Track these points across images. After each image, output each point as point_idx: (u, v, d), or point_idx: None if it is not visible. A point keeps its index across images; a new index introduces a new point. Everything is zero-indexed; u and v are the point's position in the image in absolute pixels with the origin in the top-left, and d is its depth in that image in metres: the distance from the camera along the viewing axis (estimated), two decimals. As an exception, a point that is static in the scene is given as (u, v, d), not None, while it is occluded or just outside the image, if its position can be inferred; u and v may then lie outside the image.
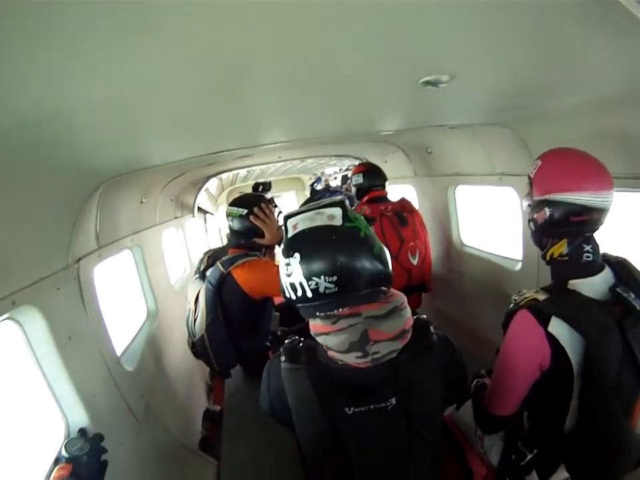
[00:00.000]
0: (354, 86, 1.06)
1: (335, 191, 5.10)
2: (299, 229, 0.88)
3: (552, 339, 1.04)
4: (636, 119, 1.33)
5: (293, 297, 0.89)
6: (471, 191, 2.91)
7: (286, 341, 0.99)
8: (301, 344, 0.97)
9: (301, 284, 0.85)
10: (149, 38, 0.56)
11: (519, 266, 2.34)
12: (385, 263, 0.89)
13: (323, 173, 5.91)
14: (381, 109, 1.50)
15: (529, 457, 1.16)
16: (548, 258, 1.16)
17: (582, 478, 1.14)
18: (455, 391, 1.06)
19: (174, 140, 1.40)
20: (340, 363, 0.89)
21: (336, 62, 0.82)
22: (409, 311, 0.93)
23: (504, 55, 0.89)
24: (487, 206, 3.69)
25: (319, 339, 0.90)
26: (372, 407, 0.88)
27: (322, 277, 0.83)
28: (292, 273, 0.86)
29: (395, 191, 3.44)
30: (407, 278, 2.54)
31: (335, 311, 0.87)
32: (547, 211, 1.09)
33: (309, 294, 0.85)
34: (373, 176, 2.77)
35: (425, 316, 0.99)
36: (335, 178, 6.06)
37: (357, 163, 4.16)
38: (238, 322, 2.03)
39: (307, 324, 0.96)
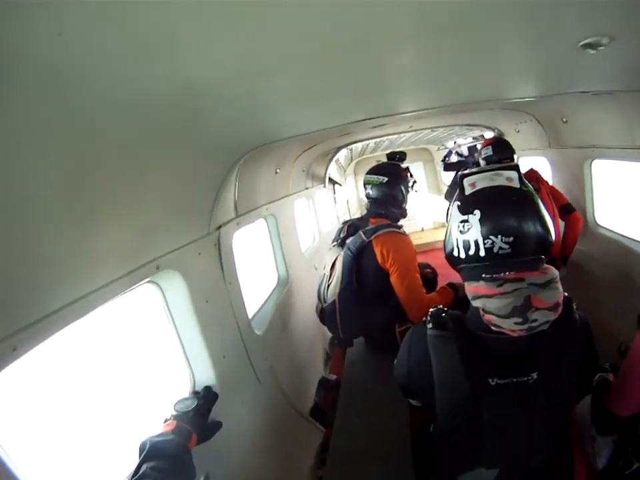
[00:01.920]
0: (498, 48, 1.00)
1: (466, 162, 4.72)
2: (478, 187, 0.89)
3: None
4: None
5: (462, 256, 0.89)
6: (611, 166, 2.66)
7: (430, 309, 0.99)
8: (444, 314, 0.97)
9: (476, 242, 0.86)
10: (282, 11, 0.57)
11: None
12: (550, 231, 0.88)
13: (456, 144, 5.39)
14: (526, 73, 1.43)
15: (636, 466, 1.10)
16: None
17: None
18: (585, 379, 1.04)
19: (306, 112, 1.40)
20: (494, 328, 0.87)
21: (481, 22, 0.77)
22: (560, 285, 0.90)
23: None
24: (629, 184, 3.24)
25: (478, 302, 0.89)
26: (514, 379, 0.88)
27: (499, 237, 0.84)
28: (469, 230, 0.86)
29: (528, 164, 3.22)
30: None
31: (502, 274, 0.86)
32: None
33: (482, 252, 0.85)
34: (501, 148, 2.70)
35: (566, 293, 0.93)
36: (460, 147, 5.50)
37: (485, 135, 4.03)
38: (370, 292, 2.02)
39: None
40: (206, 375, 1.37)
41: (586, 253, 2.81)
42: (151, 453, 0.95)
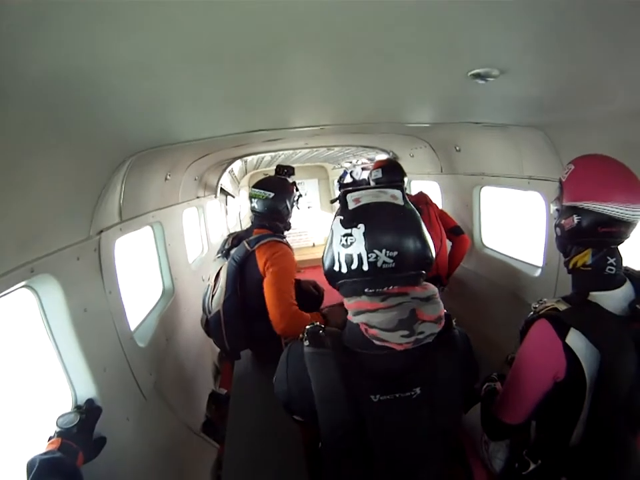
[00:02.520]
0: (396, 73, 1.02)
1: (360, 183, 5.05)
2: (363, 202, 0.89)
3: (568, 351, 1.03)
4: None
5: (344, 270, 0.87)
6: (496, 193, 2.87)
7: (307, 327, 0.96)
8: (322, 330, 0.94)
9: (359, 256, 0.84)
10: (181, 5, 0.54)
11: (538, 272, 2.30)
12: (430, 249, 0.90)
13: (352, 164, 5.77)
14: (421, 99, 1.45)
15: (532, 467, 1.16)
16: (571, 266, 1.14)
17: None
18: (467, 392, 1.06)
19: (204, 116, 1.37)
20: (378, 343, 0.86)
21: (381, 48, 0.79)
22: (440, 300, 0.93)
23: (559, 53, 0.85)
24: (511, 209, 3.65)
25: (361, 317, 0.87)
26: (397, 395, 0.87)
27: (383, 251, 0.83)
28: (352, 244, 0.85)
29: (419, 187, 3.41)
30: None
31: (385, 289, 0.86)
32: (575, 219, 1.07)
33: (365, 267, 0.84)
34: (391, 171, 2.76)
35: (446, 310, 0.97)
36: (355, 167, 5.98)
37: (377, 158, 4.09)
38: (254, 302, 2.02)
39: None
40: (87, 389, 1.25)
41: (473, 271, 3.07)
42: (43, 471, 0.87)
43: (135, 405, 1.52)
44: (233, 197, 5.25)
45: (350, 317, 0.91)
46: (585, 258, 1.10)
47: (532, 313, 1.17)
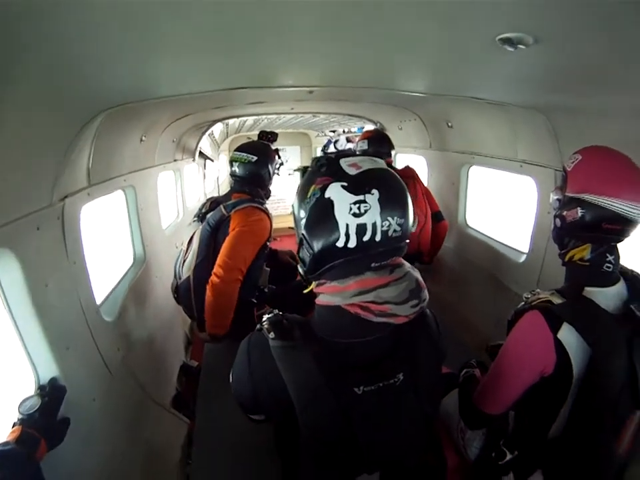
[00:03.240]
0: (396, 30, 0.89)
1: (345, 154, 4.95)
2: (365, 168, 0.79)
3: (559, 346, 1.01)
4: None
5: (352, 244, 0.76)
6: (485, 174, 2.81)
7: (264, 317, 0.86)
8: (285, 319, 0.85)
9: (374, 224, 0.76)
10: None
11: (523, 258, 2.29)
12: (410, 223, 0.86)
13: (335, 133, 5.56)
14: (421, 64, 1.32)
15: (509, 457, 1.16)
16: (567, 259, 1.12)
17: None
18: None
19: (184, 68, 1.21)
20: (376, 320, 0.79)
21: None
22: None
23: (596, 23, 0.75)
24: (499, 192, 3.63)
25: (366, 296, 0.78)
26: (381, 384, 0.81)
27: (395, 218, 0.77)
28: (366, 212, 0.75)
29: (406, 161, 3.33)
30: None
31: (390, 260, 0.81)
32: (579, 211, 1.03)
33: (378, 237, 0.76)
34: (378, 143, 2.69)
35: None
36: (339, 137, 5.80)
37: (365, 129, 3.98)
38: None
39: (298, 284, 0.85)
40: (49, 370, 1.16)
41: (455, 252, 3.03)
42: None
43: (102, 384, 1.44)
44: (212, 160, 5.01)
45: (326, 302, 0.82)
46: (584, 252, 1.08)
47: (523, 303, 1.15)
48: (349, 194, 0.76)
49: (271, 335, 0.81)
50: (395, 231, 0.77)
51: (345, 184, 0.77)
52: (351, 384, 0.80)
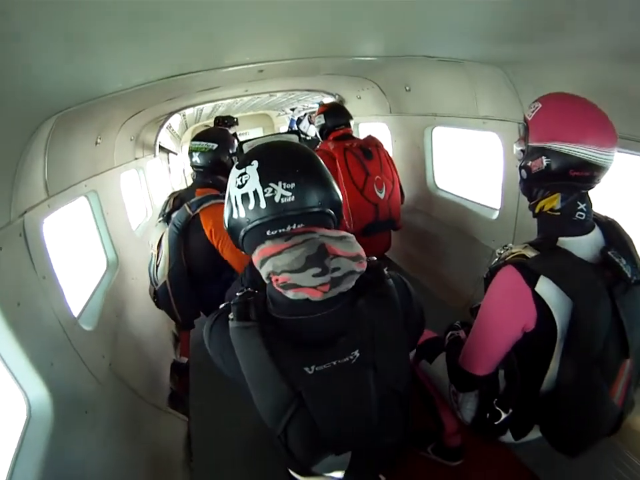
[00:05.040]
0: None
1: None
2: (255, 145, 0.86)
3: (539, 300, 0.99)
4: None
5: (242, 214, 0.79)
6: (451, 134, 2.81)
7: (237, 294, 0.87)
8: (252, 296, 0.86)
9: (255, 192, 0.77)
10: None
11: (495, 215, 2.32)
12: (336, 191, 0.84)
13: (296, 109, 5.42)
14: (362, 25, 1.27)
15: (504, 416, 1.14)
16: (537, 210, 1.09)
17: (555, 440, 1.14)
18: (413, 337, 1.05)
19: (129, 57, 1.15)
20: (292, 295, 0.78)
21: None
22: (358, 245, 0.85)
23: None
24: (466, 151, 3.61)
25: (266, 266, 0.78)
26: (334, 362, 0.81)
27: (280, 183, 0.76)
28: (246, 182, 0.78)
29: (368, 129, 3.31)
30: (374, 212, 2.49)
31: (289, 228, 0.79)
32: (544, 160, 1.01)
33: (263, 204, 0.77)
34: (334, 115, 2.68)
35: (375, 258, 0.91)
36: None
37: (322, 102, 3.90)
38: (201, 268, 1.96)
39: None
40: (37, 388, 1.14)
41: (427, 213, 3.03)
42: None
43: (91, 395, 1.43)
44: (176, 154, 4.87)
45: (264, 276, 0.81)
46: (554, 202, 1.05)
47: (497, 259, 1.11)
48: (236, 170, 0.81)
49: (231, 315, 0.83)
50: (283, 195, 0.76)
51: (237, 163, 0.83)
52: (301, 364, 0.80)
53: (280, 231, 0.78)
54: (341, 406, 0.85)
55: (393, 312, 0.86)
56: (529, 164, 1.05)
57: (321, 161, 0.85)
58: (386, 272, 0.90)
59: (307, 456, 0.91)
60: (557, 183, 1.03)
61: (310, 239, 0.77)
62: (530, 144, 1.05)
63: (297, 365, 0.80)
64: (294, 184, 0.76)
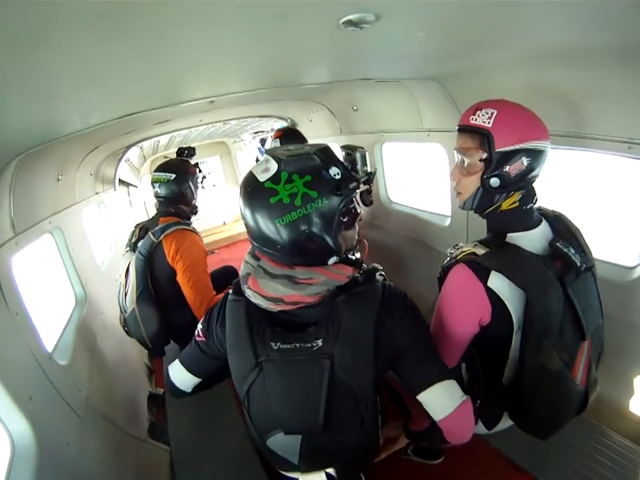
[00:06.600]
0: (274, 30, 0.92)
1: None
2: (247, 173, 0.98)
3: (492, 294, 1.02)
4: (572, 76, 1.37)
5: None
6: (400, 149, 2.90)
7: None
8: None
9: (242, 214, 0.96)
10: None
11: (448, 221, 2.44)
12: (284, 235, 0.89)
13: (257, 135, 5.51)
14: (302, 57, 1.34)
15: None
16: (497, 211, 1.10)
17: (525, 425, 1.18)
18: (396, 353, 0.99)
19: (88, 99, 1.21)
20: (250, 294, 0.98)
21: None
22: (316, 288, 0.91)
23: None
24: (415, 163, 3.81)
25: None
26: (297, 345, 0.91)
27: (250, 213, 0.93)
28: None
29: None
30: None
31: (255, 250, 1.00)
32: (525, 161, 1.00)
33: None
34: (289, 139, 2.71)
35: (377, 265, 1.04)
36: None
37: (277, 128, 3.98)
38: (167, 294, 2.00)
39: None
40: (18, 423, 1.15)
41: (385, 228, 3.10)
42: None
43: (73, 428, 1.43)
44: (135, 186, 4.84)
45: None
46: (513, 199, 1.07)
47: (448, 259, 1.14)
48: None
49: (231, 290, 1.05)
50: (247, 224, 0.95)
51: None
52: (269, 338, 0.93)
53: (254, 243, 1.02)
54: (293, 386, 0.93)
55: (365, 313, 0.91)
56: (506, 169, 1.01)
57: (280, 206, 0.88)
58: (378, 276, 1.01)
59: (260, 425, 1.01)
60: (523, 182, 1.04)
61: (249, 262, 1.00)
62: (499, 149, 1.00)
63: (266, 338, 0.93)
64: (249, 212, 0.95)
